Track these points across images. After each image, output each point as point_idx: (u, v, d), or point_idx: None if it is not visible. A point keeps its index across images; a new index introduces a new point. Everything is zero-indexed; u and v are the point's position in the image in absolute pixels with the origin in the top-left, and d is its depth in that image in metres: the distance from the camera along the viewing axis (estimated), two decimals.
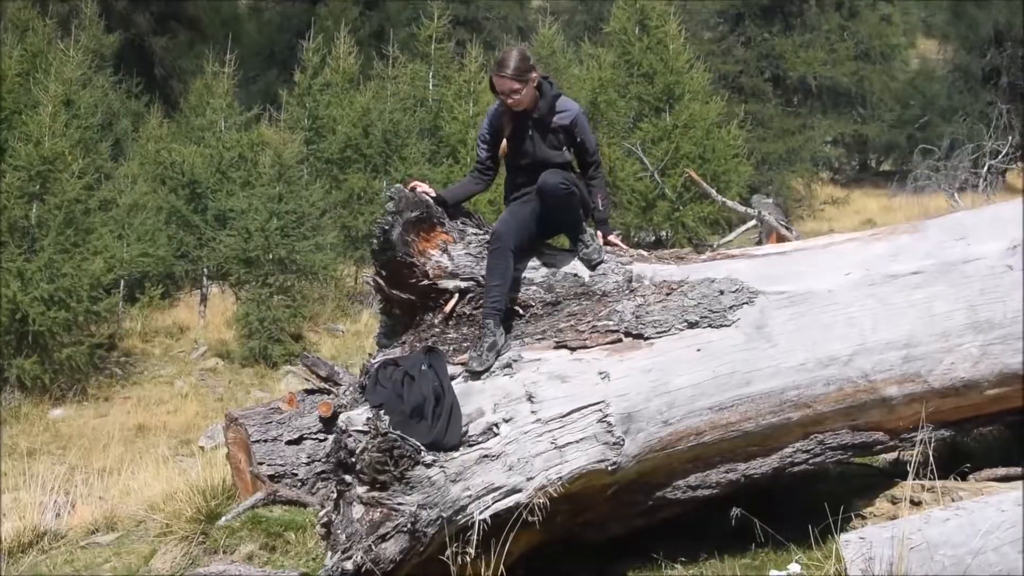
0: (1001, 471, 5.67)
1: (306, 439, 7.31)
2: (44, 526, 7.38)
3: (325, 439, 7.17)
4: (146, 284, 19.43)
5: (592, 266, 5.82)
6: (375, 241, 5.89)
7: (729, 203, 10.83)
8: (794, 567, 5.32)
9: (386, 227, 5.76)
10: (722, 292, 5.70)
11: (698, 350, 5.52)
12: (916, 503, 5.36)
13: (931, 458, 5.22)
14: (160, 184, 21.17)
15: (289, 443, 7.26)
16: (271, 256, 19.14)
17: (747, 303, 5.65)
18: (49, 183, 16.86)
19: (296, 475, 7.16)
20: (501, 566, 4.78)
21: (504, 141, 5.83)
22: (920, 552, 4.71)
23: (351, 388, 6.91)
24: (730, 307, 5.63)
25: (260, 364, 17.87)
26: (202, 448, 11.87)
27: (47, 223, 16.67)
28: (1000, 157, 22.64)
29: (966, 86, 33.16)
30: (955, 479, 5.47)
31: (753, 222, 9.76)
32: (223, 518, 6.68)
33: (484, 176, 5.98)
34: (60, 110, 17.67)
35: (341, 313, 20.89)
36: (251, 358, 17.99)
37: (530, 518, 4.98)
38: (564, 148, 5.82)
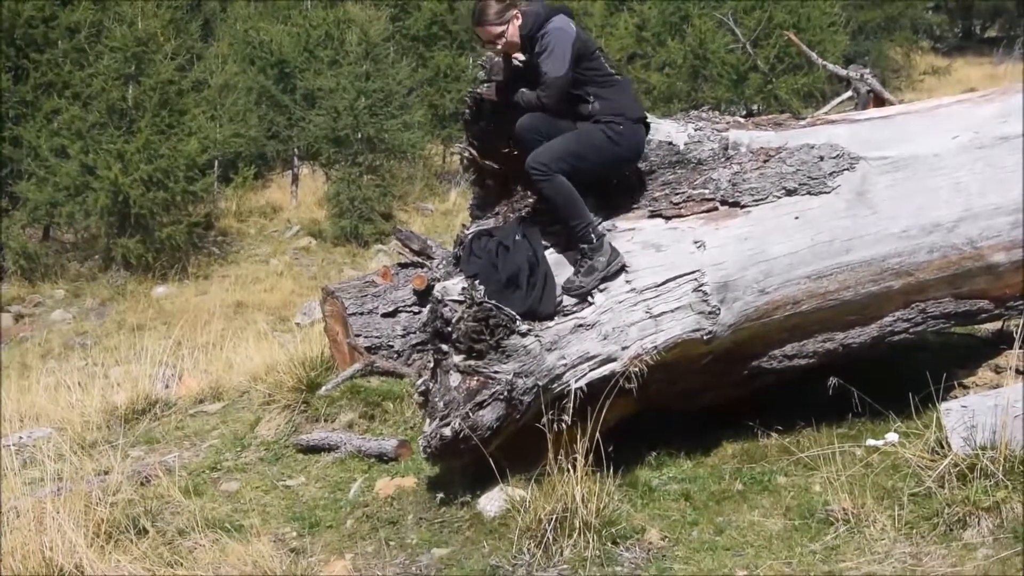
0: None
1: (401, 312, 7.44)
2: (155, 395, 7.69)
3: (419, 312, 7.28)
4: (239, 164, 19.71)
5: (575, 297, 5.11)
6: (467, 111, 5.82)
7: (830, 66, 10.43)
8: (892, 436, 5.27)
9: (479, 96, 5.69)
10: (822, 158, 5.53)
11: (796, 218, 5.39)
12: (1021, 372, 5.24)
13: None
14: (249, 64, 21.27)
15: (384, 316, 7.40)
16: (360, 135, 19.22)
17: (848, 169, 5.49)
18: (144, 64, 17.06)
19: (392, 347, 7.31)
20: (596, 433, 4.82)
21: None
22: None
23: (444, 261, 6.95)
24: (830, 173, 5.47)
25: (352, 243, 18.13)
26: (298, 324, 12.16)
27: (143, 104, 16.93)
28: None
29: None
30: None
31: (850, 93, 9.38)
32: (323, 388, 6.87)
33: None
34: None
35: (430, 192, 20.98)
36: (343, 237, 18.25)
37: (626, 385, 4.99)
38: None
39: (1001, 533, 4.29)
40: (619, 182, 5.68)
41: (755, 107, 22.15)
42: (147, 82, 16.87)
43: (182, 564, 4.39)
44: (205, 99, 19.04)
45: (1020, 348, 5.15)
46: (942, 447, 4.77)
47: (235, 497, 5.76)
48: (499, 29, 5.14)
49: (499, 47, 5.22)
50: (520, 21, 5.17)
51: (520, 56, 5.28)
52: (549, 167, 5.06)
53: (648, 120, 5.44)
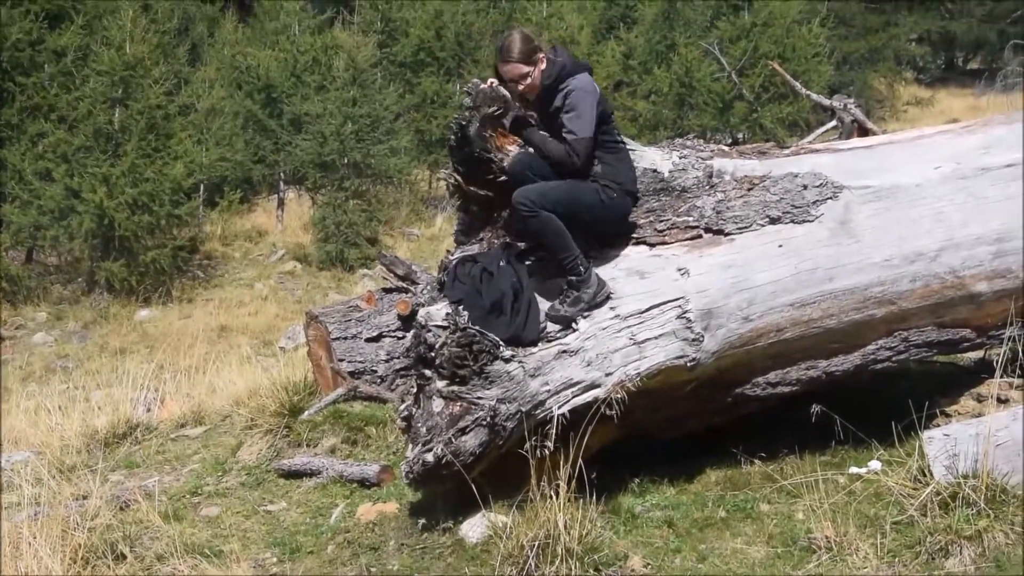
0: None
1: (385, 336, 7.42)
2: (136, 419, 7.64)
3: (403, 337, 7.26)
4: (225, 188, 19.69)
5: (559, 324, 5.09)
6: (452, 137, 5.83)
7: (814, 96, 10.51)
8: (875, 464, 5.28)
9: (463, 122, 5.70)
10: (805, 187, 5.57)
11: (780, 246, 5.42)
12: (1003, 401, 5.27)
13: (1021, 355, 5.08)
14: (236, 89, 21.30)
15: (368, 340, 7.38)
16: (346, 160, 19.23)
17: (831, 198, 5.52)
18: (131, 88, 17.06)
19: (375, 372, 7.29)
20: (579, 460, 4.81)
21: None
22: (1006, 449, 4.65)
23: (429, 287, 6.95)
24: (813, 202, 5.51)
25: (337, 267, 18.10)
26: (282, 349, 12.10)
27: (129, 128, 16.91)
28: None
29: None
30: None
31: (834, 123, 9.44)
32: (306, 412, 6.84)
33: None
34: (139, 15, 17.78)
35: (416, 217, 20.98)
36: (328, 261, 18.22)
37: (608, 412, 4.98)
38: None
39: (983, 562, 4.29)
40: None
41: (740, 135, 22.26)
42: (134, 106, 16.86)
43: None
44: (192, 123, 19.04)
45: (1001, 377, 5.17)
46: (924, 475, 4.78)
47: (215, 522, 5.71)
48: (525, 69, 5.05)
49: (520, 88, 5.10)
50: (544, 67, 5.09)
51: (532, 113, 5.28)
52: (536, 204, 5.04)
53: (638, 195, 5.48)
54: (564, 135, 5.05)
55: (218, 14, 26.84)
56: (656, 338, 5.17)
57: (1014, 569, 4.20)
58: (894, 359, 5.60)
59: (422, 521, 5.23)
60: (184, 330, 13.94)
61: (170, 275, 16.89)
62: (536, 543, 4.64)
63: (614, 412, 4.99)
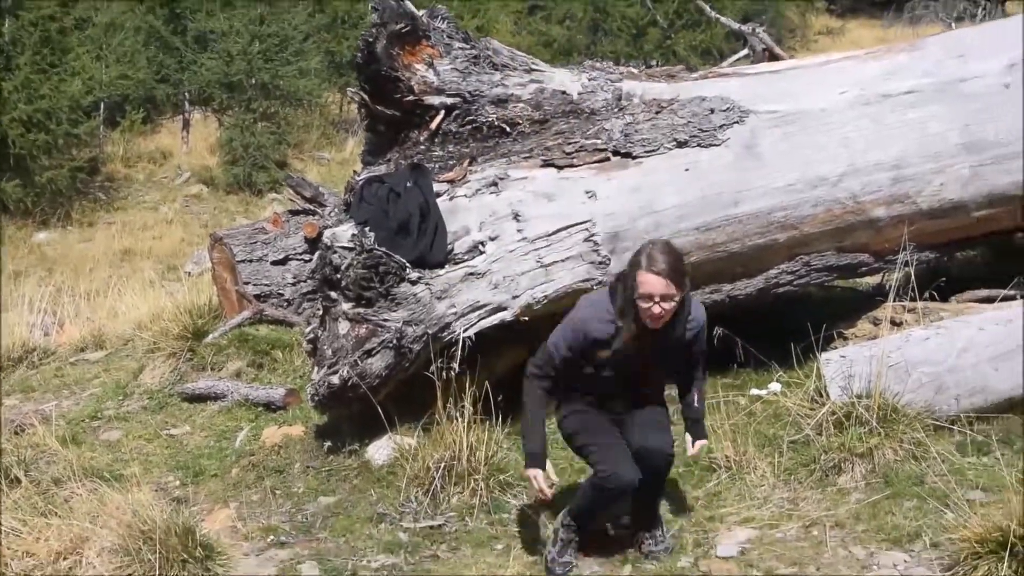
0: (983, 292, 5.69)
1: (292, 259, 7.30)
2: (33, 343, 7.43)
3: (311, 260, 7.15)
4: (127, 108, 19.03)
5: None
6: (359, 54, 5.72)
7: (723, 20, 10.55)
8: (775, 386, 5.39)
9: (370, 39, 5.59)
10: (712, 111, 5.59)
11: (686, 169, 5.44)
12: (897, 324, 5.40)
13: (913, 280, 5.22)
14: (137, 3, 20.49)
15: (274, 263, 7.25)
16: (254, 81, 18.71)
17: (738, 122, 5.55)
18: None
19: (282, 295, 7.18)
20: (486, 382, 4.82)
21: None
22: (898, 370, 4.79)
23: (336, 209, 6.86)
24: (720, 126, 5.53)
25: (245, 191, 17.71)
26: (188, 273, 11.86)
27: (21, 41, 16.15)
28: None
29: None
30: (937, 300, 5.49)
31: (745, 51, 9.49)
32: (210, 336, 6.72)
33: (551, 389, 4.20)
34: None
35: (326, 141, 20.59)
36: (235, 185, 17.81)
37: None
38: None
39: (873, 478, 4.44)
40: (515, 131, 5.66)
41: (654, 62, 22.24)
42: (25, 16, 16.08)
43: (57, 514, 4.26)
44: (90, 38, 18.25)
45: (895, 301, 5.31)
46: (821, 396, 4.91)
47: (116, 446, 5.62)
48: (675, 292, 3.89)
49: (655, 312, 3.88)
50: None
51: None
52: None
53: None
54: (697, 367, 4.29)
55: None
56: (563, 261, 5.18)
57: (901, 484, 4.35)
58: (796, 283, 5.70)
59: (328, 444, 5.22)
60: (85, 253, 13.54)
61: (69, 197, 16.32)
62: (442, 464, 4.67)
63: (522, 336, 5.01)
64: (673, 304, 3.88)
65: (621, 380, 4.10)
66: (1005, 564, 3.52)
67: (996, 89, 5.45)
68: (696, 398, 4.26)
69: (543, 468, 4.06)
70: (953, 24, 21.04)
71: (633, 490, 4.00)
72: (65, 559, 4.03)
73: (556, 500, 4.27)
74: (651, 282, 3.85)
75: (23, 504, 4.44)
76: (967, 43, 5.75)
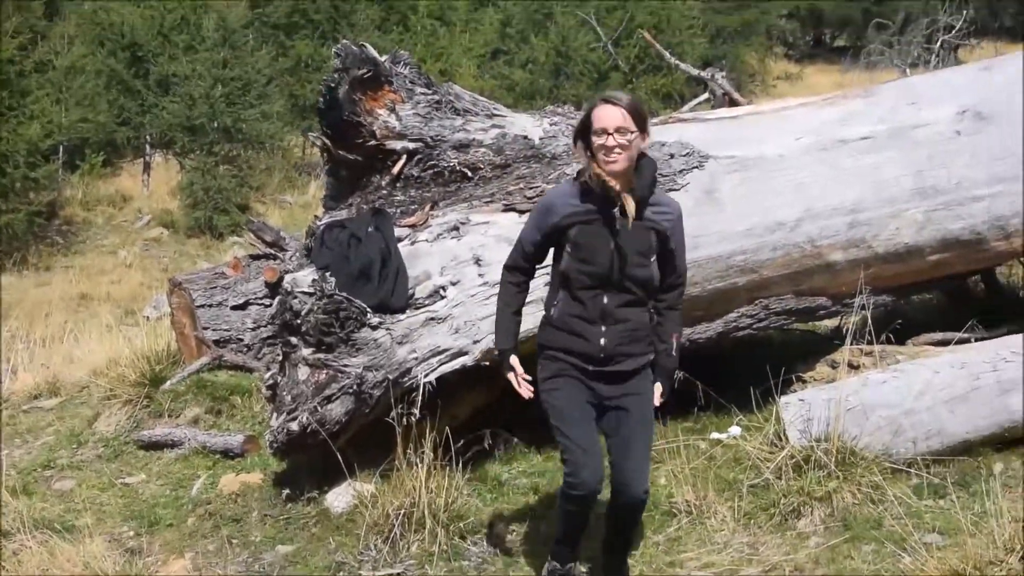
0: (938, 335, 5.76)
1: (252, 304, 7.24)
2: None
3: (271, 304, 7.09)
4: (86, 151, 18.91)
5: None
6: (321, 99, 5.73)
7: (683, 66, 10.70)
8: (735, 429, 5.41)
9: (332, 84, 5.60)
10: (672, 156, 5.63)
11: None
12: (855, 367, 5.44)
13: (870, 323, 5.28)
14: (98, 46, 20.44)
15: (234, 308, 7.20)
16: (216, 124, 18.69)
17: (697, 167, 5.60)
18: None
19: (242, 340, 7.12)
20: (446, 428, 4.80)
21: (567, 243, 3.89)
22: (856, 413, 4.82)
23: (297, 253, 6.83)
24: (680, 171, 5.58)
25: (206, 235, 17.63)
26: (147, 318, 11.72)
27: None
28: (953, 32, 22.52)
29: None
30: (894, 344, 5.55)
31: (706, 95, 9.61)
32: (168, 382, 6.64)
33: (525, 285, 4.15)
34: None
35: (289, 184, 20.58)
36: (196, 228, 17.72)
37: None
38: (653, 255, 3.91)
39: (832, 522, 4.46)
40: (476, 175, 5.67)
41: None
42: None
43: (5, 568, 4.16)
44: (49, 81, 18.19)
45: (852, 344, 5.35)
46: (781, 439, 4.92)
47: (68, 496, 5.50)
48: (633, 126, 3.72)
49: (610, 145, 3.70)
50: (647, 145, 3.88)
51: (630, 206, 3.81)
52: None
53: None
54: (680, 276, 4.04)
55: None
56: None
57: (860, 527, 4.37)
58: (755, 327, 5.74)
59: (286, 491, 5.16)
60: (41, 298, 13.37)
61: (25, 241, 16.16)
62: (402, 511, 4.63)
63: (484, 382, 5.00)
64: (630, 140, 3.69)
65: (597, 280, 3.84)
66: None
67: (948, 136, 5.55)
68: (672, 345, 4.02)
69: (513, 366, 4.06)
70: (908, 70, 21.48)
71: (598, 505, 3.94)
72: None
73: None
74: (605, 113, 3.71)
75: None
76: (920, 91, 5.86)
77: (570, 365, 3.95)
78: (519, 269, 4.08)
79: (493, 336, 5.05)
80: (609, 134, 3.69)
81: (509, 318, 4.10)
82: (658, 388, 4.00)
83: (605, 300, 3.86)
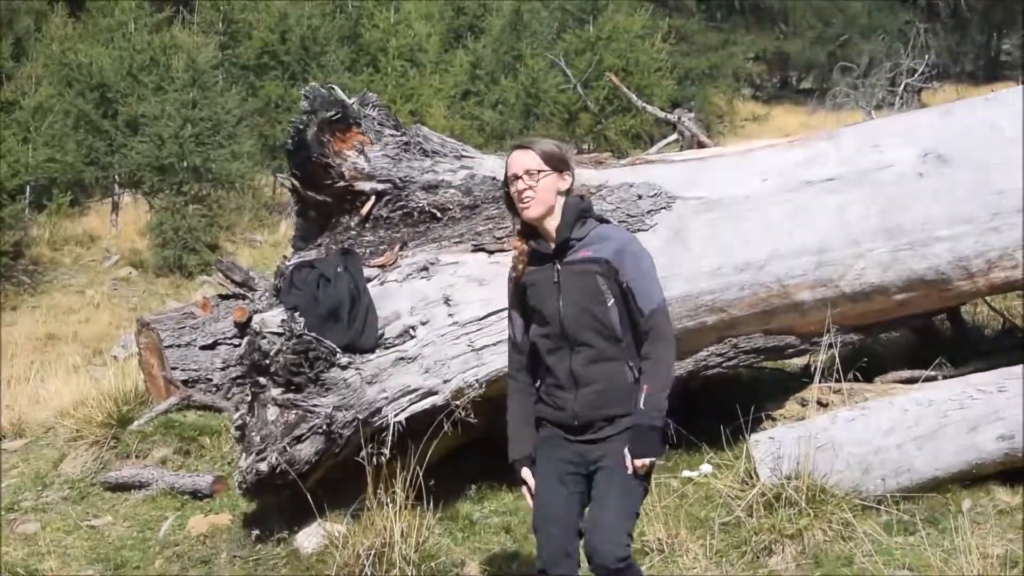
0: (906, 373, 5.82)
1: (221, 344, 7.21)
2: None
3: (240, 345, 7.06)
4: (54, 191, 18.80)
5: None
6: (290, 140, 5.75)
7: (649, 108, 10.84)
8: (706, 467, 5.43)
9: (301, 126, 5.63)
10: (640, 196, 5.69)
11: None
12: (824, 404, 5.49)
13: (838, 361, 5.33)
14: (66, 87, 20.39)
15: (203, 348, 7.16)
16: (185, 164, 18.65)
17: (665, 208, 5.66)
18: None
19: (210, 380, 7.07)
20: (418, 468, 4.78)
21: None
22: (826, 451, 4.85)
23: (266, 293, 6.81)
24: (648, 211, 5.64)
25: (175, 274, 17.54)
26: (115, 358, 11.62)
27: None
28: (916, 75, 22.88)
29: (886, 4, 33.37)
30: (862, 382, 5.60)
31: (675, 136, 9.74)
32: (135, 423, 6.59)
33: (530, 388, 3.81)
34: None
35: (259, 223, 20.55)
36: (166, 268, 17.64)
37: (447, 425, 4.95)
38: (608, 298, 3.61)
39: (803, 559, 4.47)
40: (445, 216, 5.69)
41: (585, 146, 22.65)
42: None
43: None
44: (16, 121, 18.12)
45: (821, 381, 5.40)
46: (751, 477, 4.95)
47: (33, 539, 5.43)
48: (535, 168, 3.58)
49: (518, 188, 3.57)
50: (568, 185, 3.65)
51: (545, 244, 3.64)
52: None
53: None
54: (648, 315, 3.61)
55: (46, 7, 25.58)
56: (495, 344, 5.18)
57: (831, 564, 4.38)
58: (724, 365, 5.78)
59: (256, 532, 5.12)
60: (7, 338, 13.22)
61: None
62: (372, 551, 4.61)
63: (454, 422, 4.98)
64: (538, 180, 3.52)
65: (555, 340, 3.61)
66: None
67: (911, 177, 5.64)
68: (642, 397, 3.55)
69: (525, 479, 3.68)
70: (872, 112, 21.79)
71: None
72: None
73: None
74: (514, 159, 3.59)
75: None
76: (883, 133, 5.95)
77: (553, 433, 3.70)
78: (520, 370, 3.79)
79: (463, 375, 5.09)
80: (519, 178, 3.56)
81: (519, 427, 3.76)
82: (627, 454, 3.54)
83: (571, 361, 3.60)
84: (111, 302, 16.17)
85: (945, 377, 5.65)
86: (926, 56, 23.00)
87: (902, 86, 22.79)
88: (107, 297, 16.39)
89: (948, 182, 5.60)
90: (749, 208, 5.68)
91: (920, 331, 6.52)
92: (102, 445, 6.41)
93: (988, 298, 6.44)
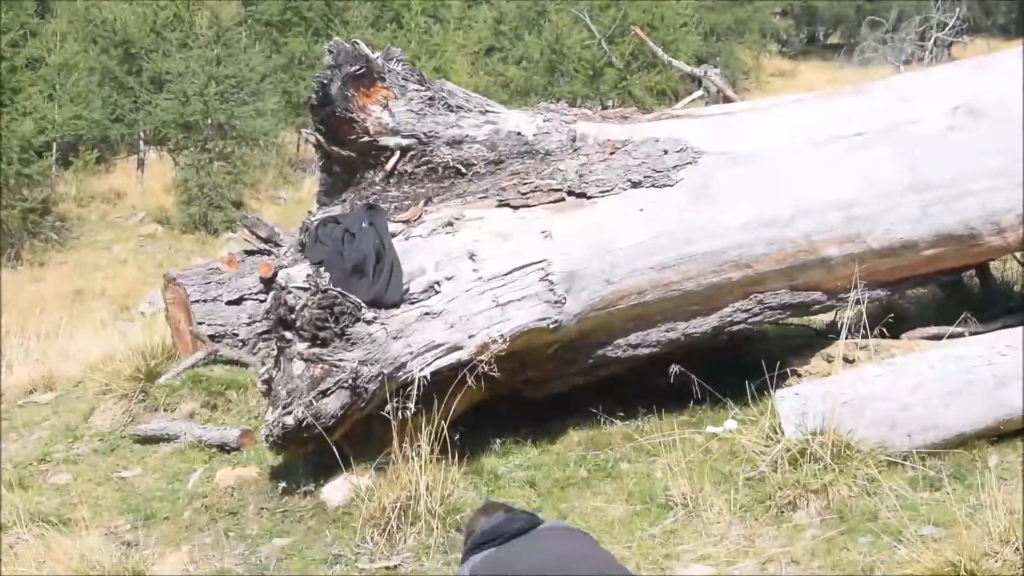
0: (933, 330, 5.77)
1: (247, 300, 7.26)
2: None
3: (266, 300, 7.11)
4: (80, 148, 18.91)
5: None
6: (313, 96, 5.73)
7: (675, 63, 10.72)
8: (730, 423, 5.41)
9: (325, 81, 5.60)
10: (666, 152, 5.64)
11: (641, 210, 5.49)
12: (850, 361, 5.46)
13: (865, 317, 5.29)
14: (91, 43, 20.41)
15: (229, 303, 7.21)
16: (210, 121, 18.68)
17: (691, 163, 5.61)
18: None
19: (236, 335, 7.13)
20: (443, 421, 4.81)
21: None
22: (852, 407, 4.82)
23: (291, 249, 6.81)
24: (674, 167, 5.59)
25: (200, 231, 17.65)
26: (142, 313, 11.74)
27: None
28: (946, 30, 22.58)
29: None
30: (888, 338, 5.56)
31: (700, 92, 9.63)
32: (163, 377, 6.65)
33: None
34: None
35: (283, 180, 20.61)
36: (191, 225, 17.74)
37: (470, 379, 4.96)
38: None
39: (828, 514, 4.47)
40: (470, 171, 5.68)
41: (610, 103, 22.53)
42: None
43: (2, 561, 4.17)
44: (42, 78, 18.18)
45: (848, 338, 5.36)
46: (776, 433, 4.92)
47: (64, 490, 5.51)
48: None
49: None
50: None
51: None
52: None
53: None
54: None
55: None
56: (519, 300, 5.18)
57: (855, 520, 4.38)
58: (750, 321, 5.75)
59: (283, 484, 5.17)
60: (35, 294, 13.37)
61: (19, 237, 16.14)
62: (398, 504, 4.64)
63: (479, 376, 4.99)
64: None
65: None
66: None
67: (941, 132, 5.56)
68: None
69: None
70: (902, 67, 21.52)
71: None
72: None
73: None
74: None
75: None
76: (912, 87, 5.87)
77: None
78: None
79: (488, 331, 5.10)
80: None
81: None
82: None
83: None
84: (137, 259, 16.31)
85: (973, 333, 5.60)
86: (956, 9, 22.66)
87: (932, 40, 22.49)
88: (133, 254, 16.52)
89: (979, 136, 5.51)
90: (776, 163, 5.62)
91: (948, 287, 6.46)
92: (131, 399, 6.48)
93: (1018, 254, 6.37)
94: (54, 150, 18.38)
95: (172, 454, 5.85)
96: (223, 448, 5.80)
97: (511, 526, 3.44)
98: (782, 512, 4.54)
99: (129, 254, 16.33)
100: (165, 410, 6.39)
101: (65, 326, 9.69)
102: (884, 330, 5.51)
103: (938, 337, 5.64)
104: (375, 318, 4.97)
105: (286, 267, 5.51)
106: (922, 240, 5.59)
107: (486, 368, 4.97)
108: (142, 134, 20.15)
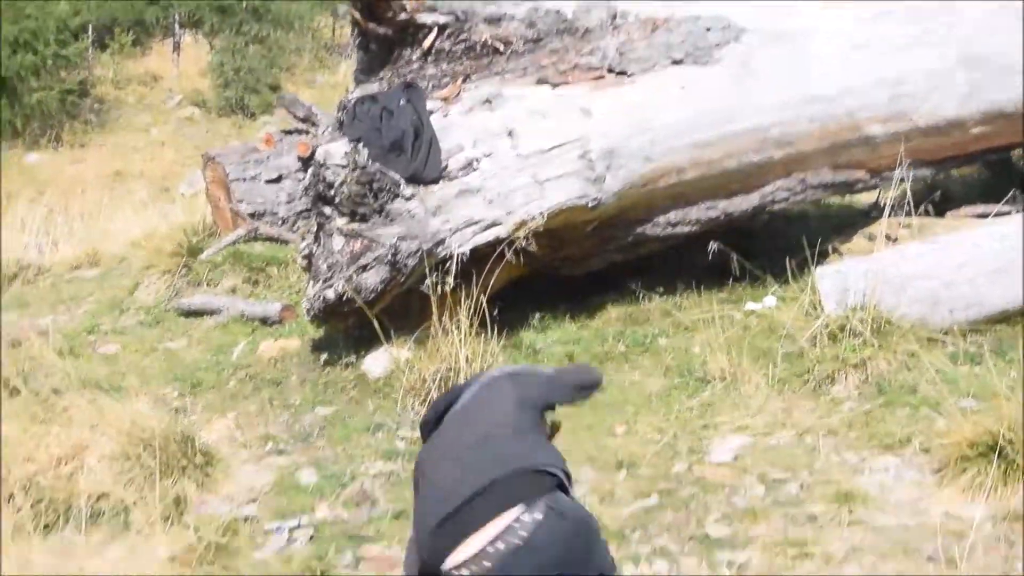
0: (979, 208, 5.70)
1: (285, 179, 7.28)
2: (27, 260, 7.42)
3: (304, 179, 7.13)
4: (116, 30, 18.78)
5: None
6: None
7: None
8: (770, 299, 5.40)
9: None
10: (709, 29, 5.54)
11: (682, 87, 5.40)
12: (893, 240, 5.41)
13: (909, 196, 5.22)
14: None
15: (268, 182, 7.23)
16: (245, 4, 18.46)
17: (734, 40, 5.51)
18: None
19: (276, 214, 7.17)
20: (482, 296, 4.85)
21: None
22: (894, 284, 4.80)
23: (329, 128, 6.81)
24: (716, 44, 5.49)
25: (237, 114, 17.58)
26: (182, 194, 11.82)
27: None
28: None
29: None
30: (933, 216, 5.50)
31: None
32: (205, 253, 6.73)
33: None
34: None
35: (319, 64, 20.39)
36: (228, 108, 17.67)
37: (507, 253, 4.98)
38: None
39: (866, 387, 4.48)
40: (508, 49, 5.59)
41: None
42: None
43: (56, 422, 4.30)
44: None
45: (891, 216, 5.31)
46: (816, 309, 4.92)
47: (113, 359, 5.64)
48: None
49: None
50: None
51: None
52: None
53: None
54: None
55: None
56: (558, 177, 5.16)
57: (894, 393, 4.40)
58: (791, 200, 5.70)
59: (324, 356, 5.25)
60: (77, 176, 13.47)
61: (59, 119, 16.18)
62: (438, 376, 4.71)
63: (517, 252, 5.01)
64: None
65: None
66: (994, 466, 3.58)
67: (993, 7, 5.39)
68: None
69: None
70: None
71: None
72: (66, 465, 4.08)
73: None
74: None
75: (22, 413, 4.49)
76: None
77: None
78: None
79: (526, 208, 5.08)
80: None
81: None
82: None
83: None
84: (175, 141, 16.32)
85: (1019, 212, 5.52)
86: None
87: None
88: (171, 136, 16.52)
89: None
90: (821, 40, 5.51)
91: (994, 166, 6.36)
92: (174, 274, 6.58)
93: None
94: (90, 32, 18.26)
95: (215, 327, 5.95)
96: (265, 322, 5.89)
97: (438, 407, 3.41)
98: (820, 386, 4.56)
99: (167, 136, 16.33)
100: (207, 285, 6.48)
101: (106, 206, 9.77)
102: (928, 209, 5.45)
103: (984, 215, 5.57)
104: (413, 194, 4.97)
105: (324, 144, 5.51)
106: (971, 118, 5.48)
107: (524, 243, 4.98)
108: (177, 17, 19.95)
